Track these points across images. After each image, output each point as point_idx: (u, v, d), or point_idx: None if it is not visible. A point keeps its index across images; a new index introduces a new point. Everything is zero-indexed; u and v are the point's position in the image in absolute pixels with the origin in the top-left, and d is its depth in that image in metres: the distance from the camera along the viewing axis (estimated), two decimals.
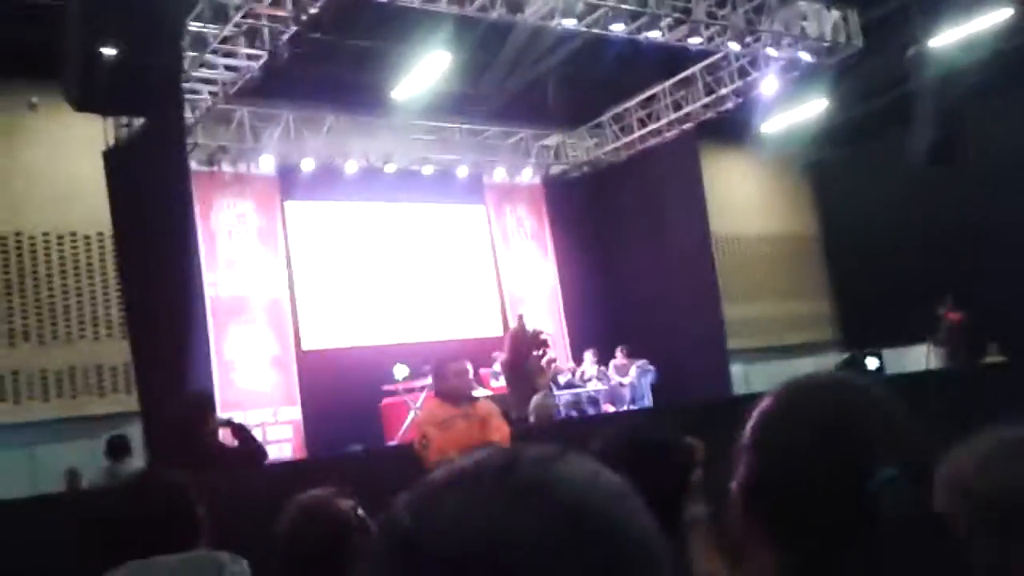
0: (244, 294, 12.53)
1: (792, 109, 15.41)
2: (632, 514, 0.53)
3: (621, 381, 12.75)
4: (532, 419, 5.22)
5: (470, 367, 5.27)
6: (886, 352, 13.91)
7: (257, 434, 5.05)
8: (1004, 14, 13.16)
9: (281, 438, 11.90)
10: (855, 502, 0.75)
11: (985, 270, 13.47)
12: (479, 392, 11.18)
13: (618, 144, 15.05)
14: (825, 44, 11.85)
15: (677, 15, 10.96)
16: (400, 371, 10.88)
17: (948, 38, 12.94)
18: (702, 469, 1.81)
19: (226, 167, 12.69)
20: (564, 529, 0.49)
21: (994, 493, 0.90)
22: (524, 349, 7.52)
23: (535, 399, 5.78)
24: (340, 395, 11.79)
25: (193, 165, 11.46)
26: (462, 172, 14.50)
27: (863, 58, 14.21)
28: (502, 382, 11.16)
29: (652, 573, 0.52)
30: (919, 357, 12.77)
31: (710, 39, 11.70)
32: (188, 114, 11.00)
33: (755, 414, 0.88)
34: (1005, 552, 0.87)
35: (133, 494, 2.06)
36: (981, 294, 12.32)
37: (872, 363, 13.40)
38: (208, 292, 11.88)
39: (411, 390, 10.85)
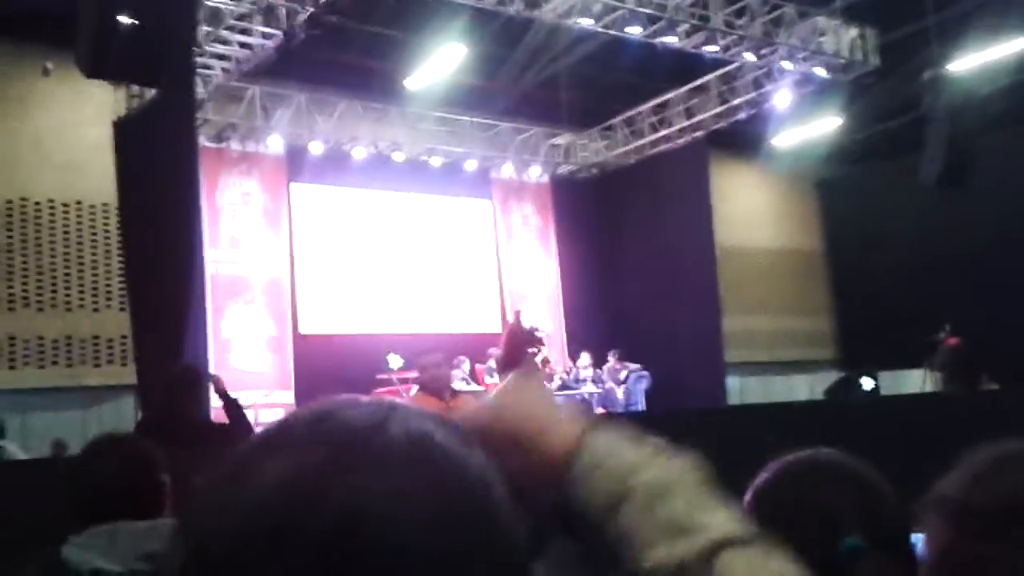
0: (244, 274, 12.53)
1: (805, 125, 15.38)
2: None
3: (615, 385, 12.73)
4: None
5: (453, 361, 5.24)
6: (883, 374, 13.87)
7: (249, 415, 5.03)
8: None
9: (273, 421, 11.86)
10: (826, 567, 0.82)
11: (985, 299, 13.44)
12: (472, 388, 11.18)
13: (628, 147, 15.03)
14: (841, 61, 11.83)
15: (695, 22, 10.93)
16: (394, 361, 10.86)
17: (966, 64, 12.90)
18: None
19: (234, 145, 12.70)
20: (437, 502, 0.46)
21: (988, 504, 0.93)
22: (520, 345, 7.53)
23: None
24: (334, 381, 11.66)
25: (201, 141, 11.44)
26: (470, 165, 14.50)
27: (879, 78, 14.18)
28: (496, 379, 11.17)
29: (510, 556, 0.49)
30: (916, 381, 12.72)
31: (726, 48, 11.68)
32: (199, 89, 10.99)
33: (752, 488, 0.99)
34: (994, 556, 0.90)
35: (94, 457, 2.05)
36: (979, 323, 12.27)
37: (868, 384, 13.38)
38: (209, 269, 11.89)
39: (405, 380, 10.84)
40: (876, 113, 16.47)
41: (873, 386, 13.36)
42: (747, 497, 0.97)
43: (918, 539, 1.01)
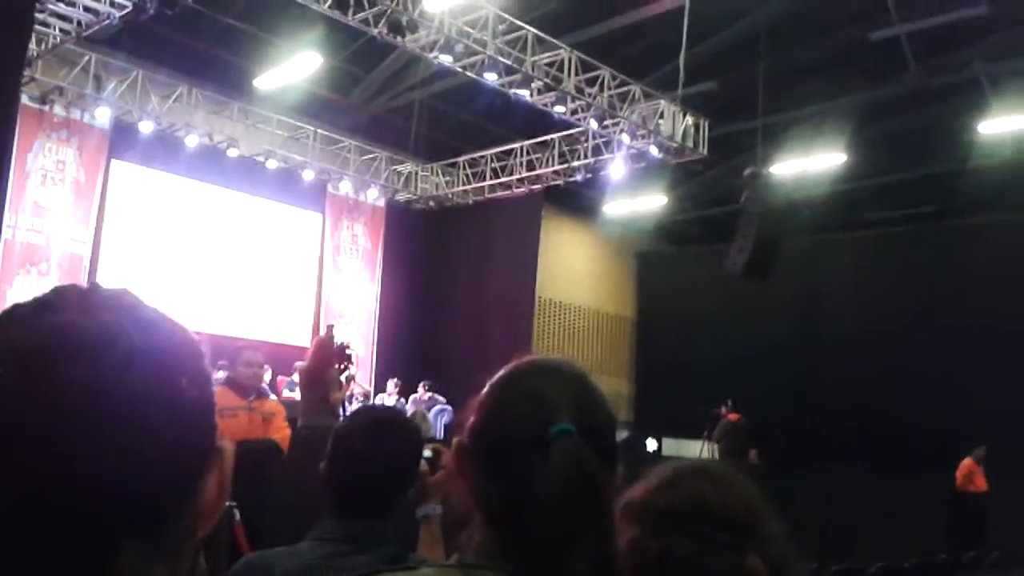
0: (43, 244, 11.77)
1: (634, 198, 16.24)
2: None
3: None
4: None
5: (266, 366, 5.18)
6: (667, 440, 14.71)
7: None
8: (838, 159, 14.53)
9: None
10: (539, 446, 0.96)
11: (766, 385, 14.59)
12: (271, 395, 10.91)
13: (468, 187, 15.31)
14: (674, 145, 12.57)
15: (548, 81, 11.36)
16: None
17: (784, 169, 14.08)
18: (443, 473, 1.96)
19: (58, 110, 11.97)
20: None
21: (669, 506, 1.12)
22: (327, 360, 7.45)
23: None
24: None
25: (24, 99, 10.76)
26: (308, 175, 14.31)
27: (705, 168, 15.23)
28: (296, 393, 10.95)
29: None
30: (696, 449, 13.57)
31: (574, 112, 12.18)
32: (32, 45, 10.33)
33: (488, 384, 1.10)
34: (671, 549, 1.09)
35: None
36: (757, 406, 13.27)
37: (651, 445, 14.21)
38: (4, 234, 11.18)
39: None
40: (698, 199, 17.65)
41: (656, 448, 14.15)
42: (484, 390, 1.09)
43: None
